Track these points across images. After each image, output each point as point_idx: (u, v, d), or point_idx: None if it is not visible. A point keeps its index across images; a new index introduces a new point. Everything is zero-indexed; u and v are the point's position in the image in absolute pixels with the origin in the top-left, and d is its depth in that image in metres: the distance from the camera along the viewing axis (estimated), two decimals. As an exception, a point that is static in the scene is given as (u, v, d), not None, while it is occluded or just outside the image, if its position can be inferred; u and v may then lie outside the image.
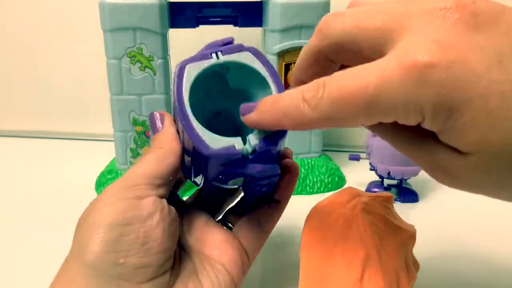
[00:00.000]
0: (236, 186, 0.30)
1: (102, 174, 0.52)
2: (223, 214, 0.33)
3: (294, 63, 0.50)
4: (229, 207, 0.34)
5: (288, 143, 0.53)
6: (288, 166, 0.31)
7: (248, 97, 0.30)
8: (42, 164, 0.60)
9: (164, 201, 0.26)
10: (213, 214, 0.33)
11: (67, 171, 0.58)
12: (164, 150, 0.27)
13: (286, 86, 0.51)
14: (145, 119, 0.49)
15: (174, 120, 0.29)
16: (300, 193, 0.51)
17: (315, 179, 0.52)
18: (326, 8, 0.49)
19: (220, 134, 0.26)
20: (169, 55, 0.49)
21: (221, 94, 0.31)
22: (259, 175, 0.26)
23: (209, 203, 0.33)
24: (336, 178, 0.53)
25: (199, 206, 0.32)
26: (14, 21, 0.66)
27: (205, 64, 0.27)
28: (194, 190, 0.34)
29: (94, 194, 0.51)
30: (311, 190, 0.52)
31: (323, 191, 0.52)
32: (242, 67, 0.27)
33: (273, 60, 0.50)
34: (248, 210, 0.32)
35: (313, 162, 0.53)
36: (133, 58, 0.47)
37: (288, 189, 0.32)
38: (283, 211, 0.32)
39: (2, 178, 0.56)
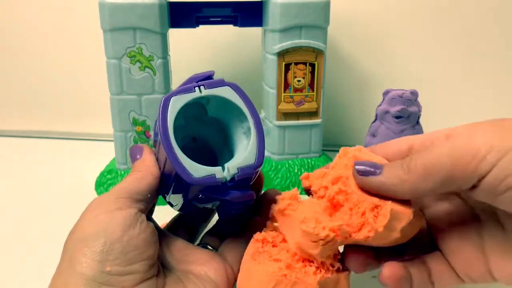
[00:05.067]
0: (211, 207, 0.32)
1: (102, 174, 0.52)
2: (199, 239, 0.35)
3: (294, 63, 0.50)
4: (204, 231, 0.36)
5: (289, 143, 0.53)
6: (269, 199, 0.33)
7: (224, 126, 0.33)
8: (42, 164, 0.60)
9: (144, 215, 0.29)
10: (189, 240, 0.35)
11: (67, 171, 0.58)
12: (142, 172, 0.30)
13: (286, 85, 0.51)
14: (145, 119, 0.49)
15: (154, 146, 0.32)
16: (300, 193, 0.51)
17: (315, 179, 0.52)
18: (326, 8, 0.49)
19: (195, 157, 0.28)
20: (169, 55, 0.49)
21: (198, 121, 0.33)
22: (236, 201, 0.29)
23: (185, 226, 0.35)
24: (336, 178, 0.53)
25: (175, 233, 0.34)
26: (14, 21, 0.66)
27: (188, 97, 0.29)
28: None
29: (94, 194, 0.51)
30: (311, 190, 0.52)
31: (323, 191, 0.52)
32: (222, 100, 0.30)
33: (273, 60, 0.50)
34: (229, 232, 0.34)
35: (313, 162, 0.53)
36: (133, 58, 0.47)
37: (267, 210, 0.33)
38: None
39: (2, 178, 0.56)
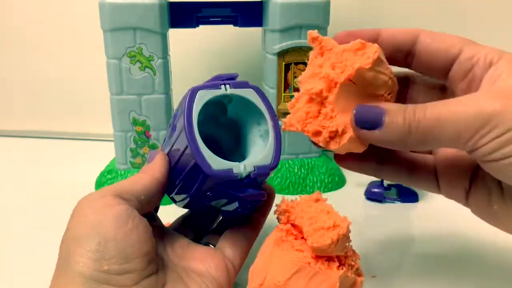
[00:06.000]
0: (214, 205, 0.32)
1: (102, 174, 0.52)
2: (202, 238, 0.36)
3: (294, 63, 0.50)
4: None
5: (289, 143, 0.53)
6: (267, 191, 0.34)
7: (239, 127, 0.33)
8: (42, 164, 0.60)
9: (135, 210, 0.28)
10: (195, 240, 0.35)
11: (67, 171, 0.58)
12: (142, 174, 0.30)
13: (286, 85, 0.51)
14: (145, 119, 0.49)
15: (169, 138, 0.32)
16: (300, 192, 0.51)
17: (315, 179, 0.52)
18: (326, 8, 0.49)
19: None
20: (169, 55, 0.49)
21: (213, 120, 0.34)
22: (250, 198, 0.29)
23: (192, 227, 0.36)
24: (336, 178, 0.53)
25: (180, 233, 0.34)
26: (14, 21, 0.66)
27: (215, 92, 0.30)
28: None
29: (94, 194, 0.51)
30: (311, 190, 0.52)
31: (323, 191, 0.52)
32: (245, 101, 0.31)
33: (273, 60, 0.50)
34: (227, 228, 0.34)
35: (313, 162, 0.53)
36: (133, 58, 0.47)
37: (268, 208, 0.35)
38: (263, 224, 0.35)
39: (2, 178, 0.56)
